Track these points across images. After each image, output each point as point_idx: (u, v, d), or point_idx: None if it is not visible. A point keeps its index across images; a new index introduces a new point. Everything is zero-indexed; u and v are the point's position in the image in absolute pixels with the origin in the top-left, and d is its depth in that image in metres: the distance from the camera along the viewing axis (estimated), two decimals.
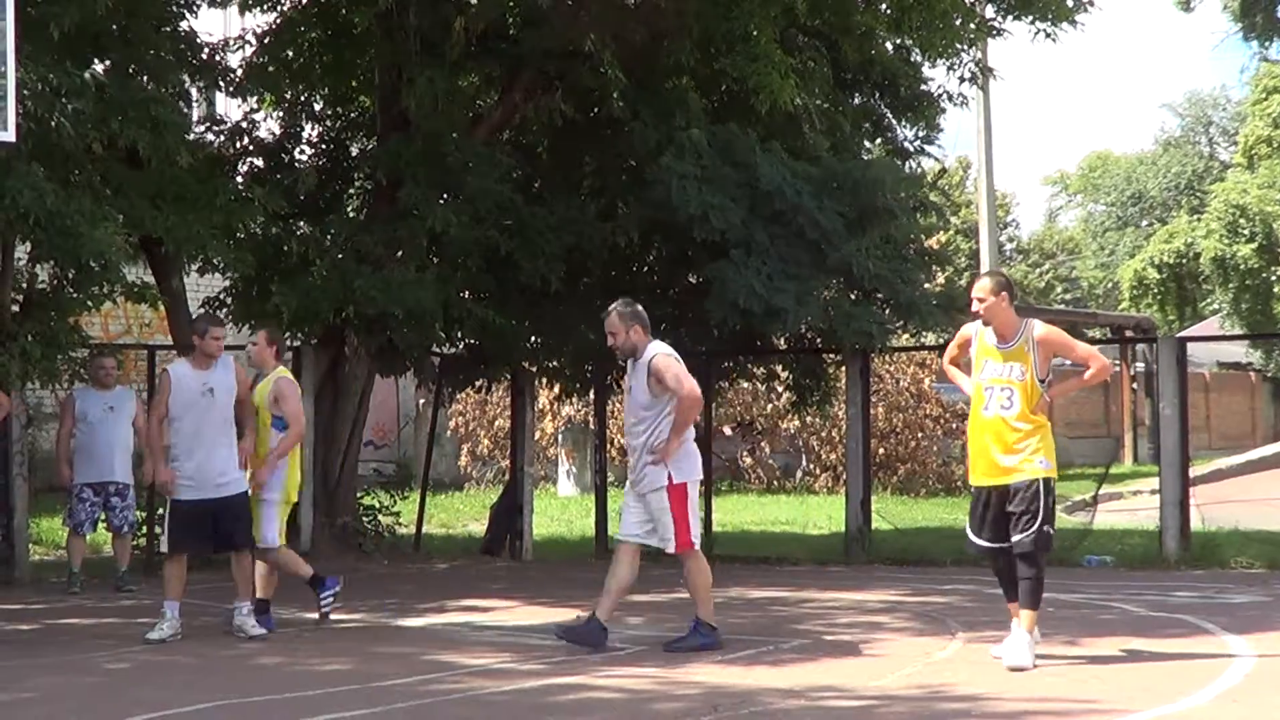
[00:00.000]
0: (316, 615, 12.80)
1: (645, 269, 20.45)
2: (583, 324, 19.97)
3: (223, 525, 12.00)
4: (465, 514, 25.91)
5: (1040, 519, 10.29)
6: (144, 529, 17.16)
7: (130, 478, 15.61)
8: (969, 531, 10.66)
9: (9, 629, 11.78)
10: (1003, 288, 10.49)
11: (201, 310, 18.00)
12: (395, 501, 20.70)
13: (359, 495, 19.89)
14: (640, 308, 11.53)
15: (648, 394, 11.26)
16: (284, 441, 12.43)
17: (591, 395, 21.43)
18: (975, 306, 10.50)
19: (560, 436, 32.22)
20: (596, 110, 19.18)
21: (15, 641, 11.64)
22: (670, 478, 11.24)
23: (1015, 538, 10.35)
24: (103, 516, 15.61)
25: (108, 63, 16.67)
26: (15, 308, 16.11)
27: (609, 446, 24.02)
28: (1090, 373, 10.69)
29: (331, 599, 12.86)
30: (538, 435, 28.20)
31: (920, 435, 32.20)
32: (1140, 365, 44.52)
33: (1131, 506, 25.97)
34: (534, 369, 20.51)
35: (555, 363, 20.65)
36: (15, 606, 11.57)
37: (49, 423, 16.83)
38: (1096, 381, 10.92)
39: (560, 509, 26.94)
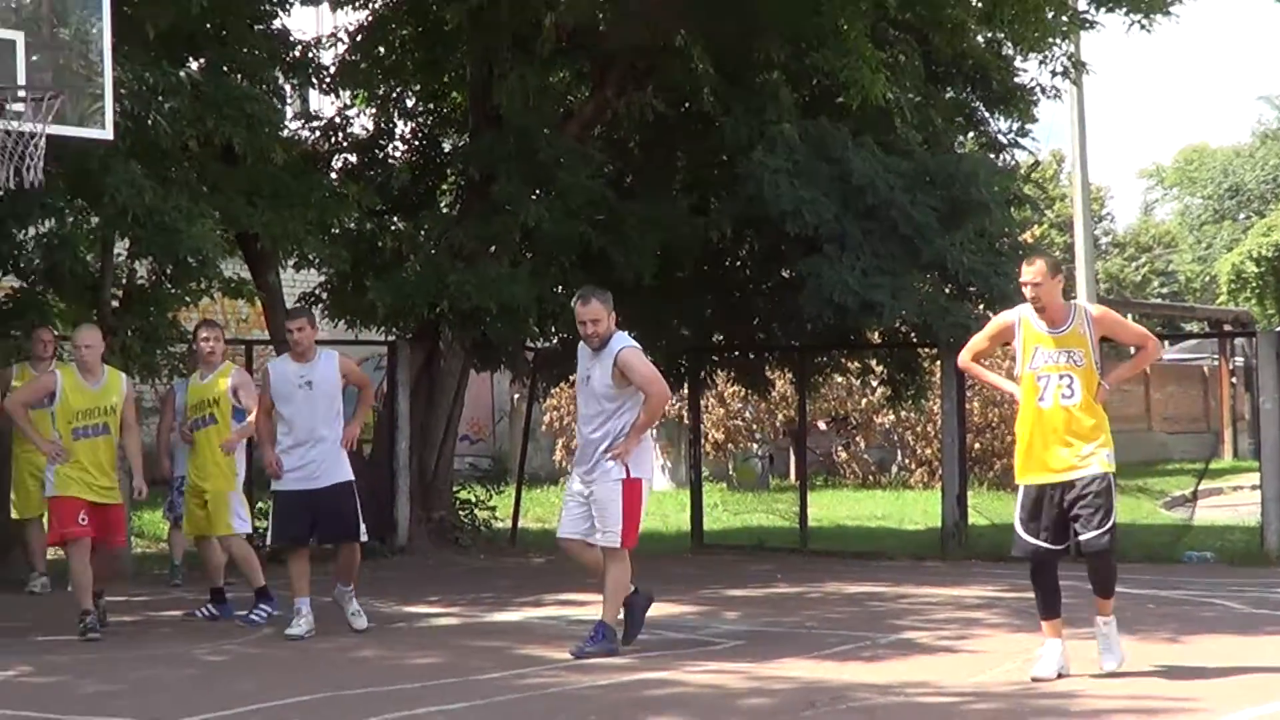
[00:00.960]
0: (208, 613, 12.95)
1: (737, 264, 20.42)
2: (675, 319, 20.00)
3: (323, 516, 12.03)
4: (560, 508, 25.91)
5: (1112, 516, 9.62)
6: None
7: None
8: (1023, 533, 9.79)
9: (112, 620, 11.88)
10: (1056, 269, 9.78)
11: (296, 305, 18.13)
12: (491, 496, 20.76)
13: (455, 490, 19.96)
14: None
15: (612, 386, 10.94)
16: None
17: (685, 390, 21.40)
18: (1029, 290, 9.73)
19: (654, 431, 32.17)
20: (687, 105, 19.16)
21: (117, 633, 11.75)
22: (627, 471, 10.98)
23: (1086, 536, 9.60)
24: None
25: (203, 61, 16.80)
26: (115, 303, 16.28)
27: (703, 441, 23.99)
28: (1143, 354, 10.16)
29: (265, 616, 12.88)
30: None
31: None
32: (1239, 360, 44.01)
33: (1232, 502, 25.65)
34: None
35: (648, 357, 20.60)
36: (118, 598, 11.69)
37: (149, 417, 16.94)
38: (1147, 364, 10.43)
39: (655, 504, 26.86)
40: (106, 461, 12.03)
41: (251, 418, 12.81)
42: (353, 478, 12.23)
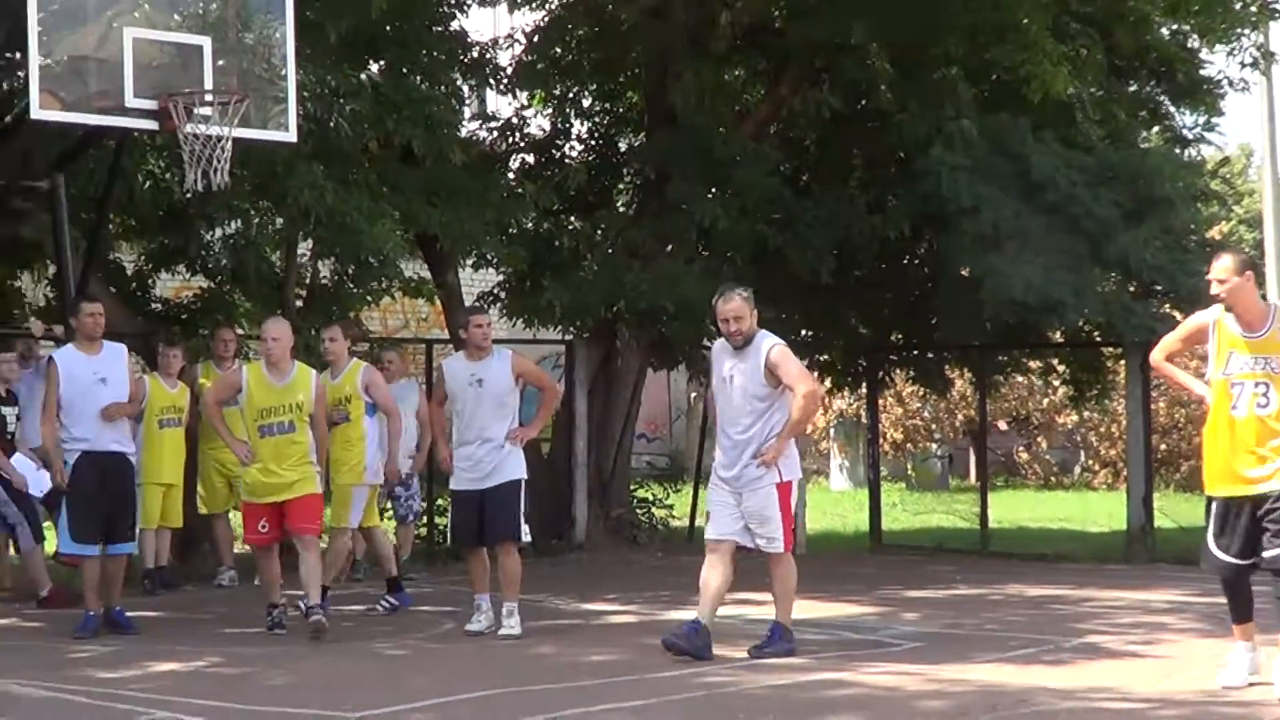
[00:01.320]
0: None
1: (915, 261, 20.27)
2: (852, 317, 19.90)
3: (487, 515, 11.87)
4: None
5: None
6: (425, 519, 17.41)
7: (414, 468, 15.77)
8: (1214, 548, 9.33)
9: (293, 613, 12.03)
10: (1247, 266, 9.17)
11: (475, 305, 18.26)
12: (668, 494, 20.77)
13: (632, 488, 20.01)
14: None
15: (764, 385, 10.60)
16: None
17: (863, 389, 21.29)
18: (1215, 289, 9.18)
19: (832, 430, 32.08)
20: (864, 102, 19.07)
21: (299, 626, 11.88)
22: (780, 474, 10.71)
23: (1271, 553, 9.07)
24: (387, 506, 15.89)
25: (383, 63, 16.99)
26: (299, 302, 16.53)
27: (882, 440, 23.86)
28: None
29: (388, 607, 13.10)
30: (809, 429, 28.11)
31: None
32: None
33: None
34: (804, 362, 20.43)
35: (826, 356, 20.56)
36: (299, 591, 11.80)
37: None
38: None
39: (833, 503, 26.81)
40: (293, 458, 11.72)
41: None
42: (522, 477, 11.93)
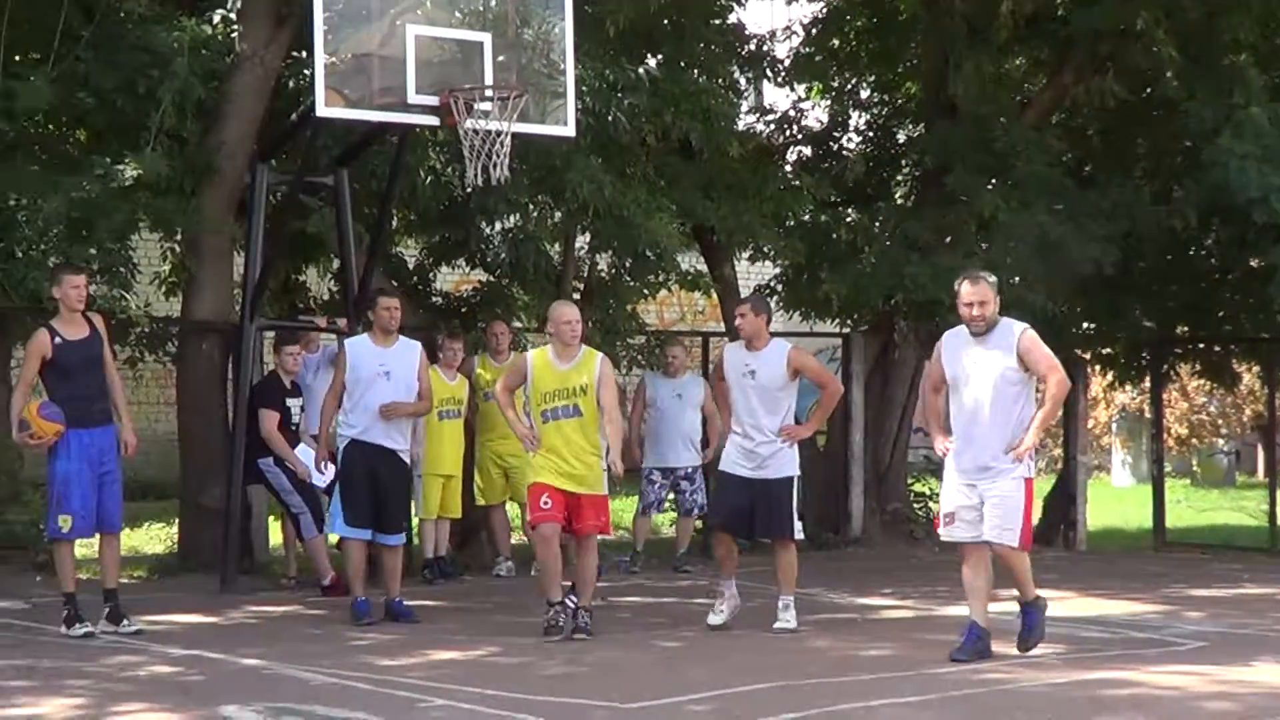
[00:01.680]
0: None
1: (1202, 253, 19.79)
2: (1136, 310, 19.51)
3: (759, 510, 11.76)
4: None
5: None
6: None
7: (699, 461, 15.83)
8: None
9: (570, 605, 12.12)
10: None
11: (750, 296, 18.27)
12: None
13: (909, 482, 19.87)
14: None
15: (1015, 372, 10.24)
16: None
17: (1147, 383, 20.87)
18: None
19: (1114, 425, 31.50)
20: (1149, 90, 18.68)
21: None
22: (1029, 468, 10.38)
23: None
24: (670, 498, 15.99)
25: (660, 57, 17.08)
26: (576, 296, 16.69)
27: (1166, 435, 23.36)
28: None
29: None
30: (1090, 423, 27.64)
31: None
32: None
33: None
34: (1086, 355, 20.10)
35: (1108, 349, 20.19)
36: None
37: None
38: None
39: (1115, 499, 26.33)
40: (580, 446, 11.35)
41: None
42: (795, 474, 11.78)
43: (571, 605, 11.42)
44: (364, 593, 12.20)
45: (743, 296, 18.00)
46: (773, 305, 19.05)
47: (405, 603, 12.34)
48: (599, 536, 11.65)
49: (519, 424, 11.65)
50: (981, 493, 10.32)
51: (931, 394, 10.80)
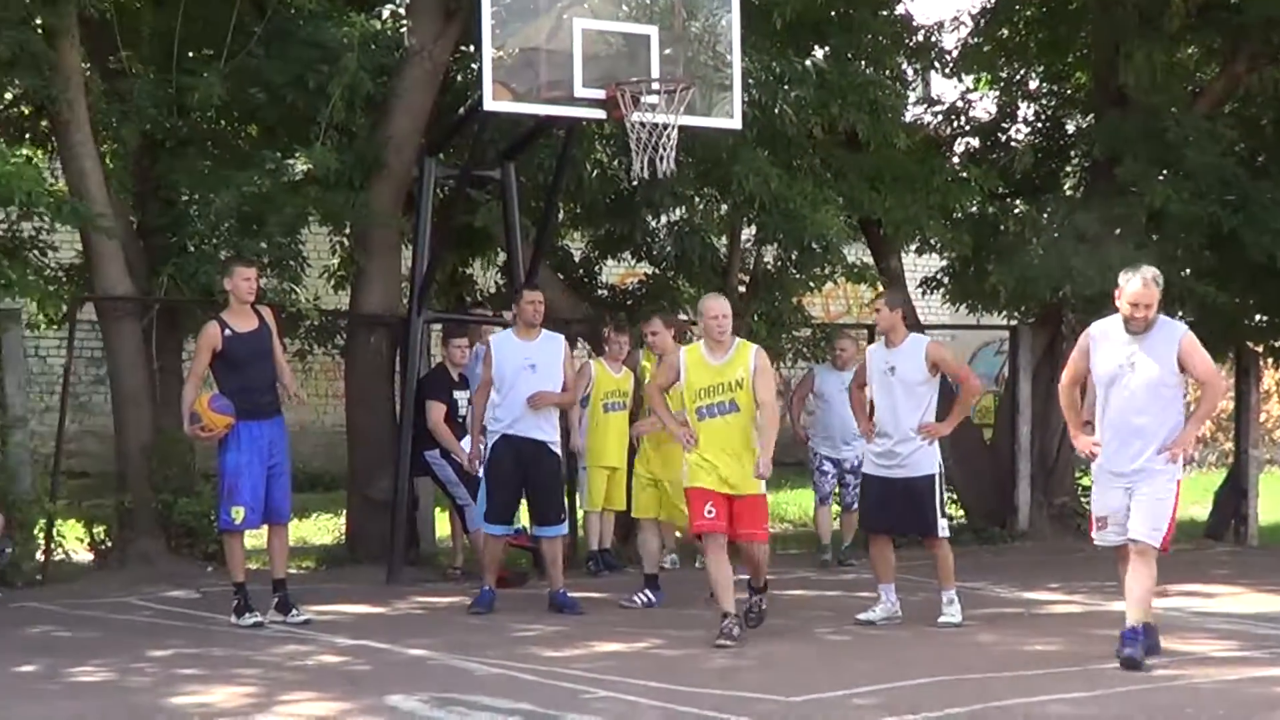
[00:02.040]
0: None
1: None
2: None
3: (901, 509, 11.72)
4: (1185, 498, 25.20)
5: None
6: None
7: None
8: None
9: (740, 599, 12.07)
10: None
11: (918, 290, 18.21)
12: None
13: (1077, 475, 19.65)
14: None
15: (1174, 373, 10.06)
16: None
17: None
18: None
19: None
20: None
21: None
22: (1180, 469, 10.14)
23: None
24: (836, 491, 15.93)
25: (827, 48, 17.02)
26: (742, 288, 16.70)
27: None
28: None
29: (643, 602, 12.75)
30: (1263, 417, 27.16)
31: None
32: None
33: None
34: (1259, 348, 19.76)
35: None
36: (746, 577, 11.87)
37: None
38: None
39: None
40: (737, 445, 10.92)
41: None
42: (934, 472, 11.63)
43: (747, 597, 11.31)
44: (492, 583, 12.42)
45: (909, 290, 17.98)
46: (939, 297, 19.00)
47: (569, 594, 12.43)
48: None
49: (673, 421, 11.25)
50: (1132, 493, 10.12)
51: (1071, 387, 10.61)
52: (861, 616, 11.82)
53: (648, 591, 12.84)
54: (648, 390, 11.87)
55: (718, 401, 10.94)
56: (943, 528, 11.70)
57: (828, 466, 15.75)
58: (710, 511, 10.90)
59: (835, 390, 15.60)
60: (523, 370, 12.22)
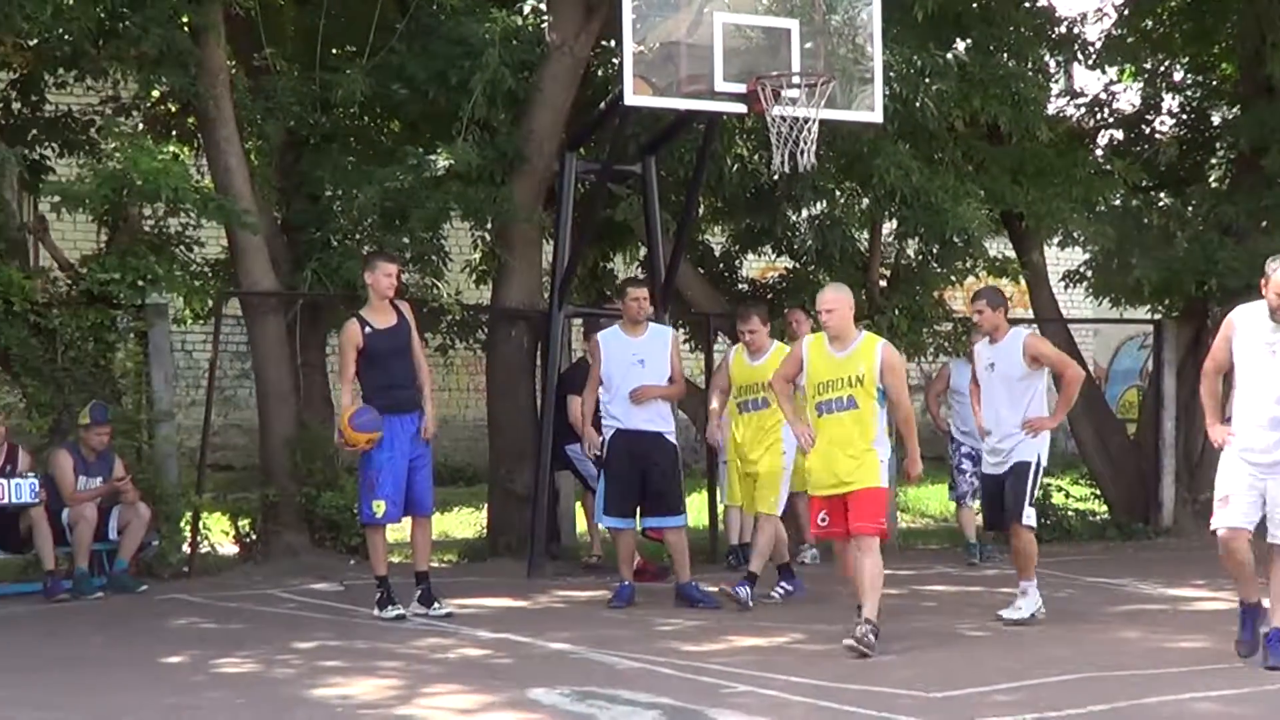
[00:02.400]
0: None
1: None
2: None
3: (998, 498, 11.68)
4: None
5: None
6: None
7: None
8: None
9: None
10: None
11: (1060, 284, 18.04)
12: None
13: None
14: None
15: None
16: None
17: None
18: None
19: None
20: None
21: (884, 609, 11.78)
22: None
23: None
24: (975, 488, 15.80)
25: (969, 41, 16.91)
26: (883, 282, 16.64)
27: None
28: None
29: (782, 594, 12.70)
30: None
31: None
32: None
33: None
34: None
35: None
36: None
37: (915, 392, 17.23)
38: None
39: None
40: (854, 442, 10.48)
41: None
42: (1031, 460, 11.41)
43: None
44: (630, 577, 12.50)
45: (1052, 284, 17.80)
46: (1082, 291, 18.81)
47: (700, 588, 12.44)
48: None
49: (797, 421, 10.86)
50: (1268, 487, 9.80)
51: (1213, 375, 10.40)
52: (1003, 613, 11.71)
53: (784, 584, 12.85)
54: (773, 381, 11.43)
55: (835, 397, 10.55)
56: (1028, 515, 11.48)
57: (966, 465, 15.59)
58: (824, 520, 10.71)
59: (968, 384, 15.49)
60: (632, 366, 12.33)
